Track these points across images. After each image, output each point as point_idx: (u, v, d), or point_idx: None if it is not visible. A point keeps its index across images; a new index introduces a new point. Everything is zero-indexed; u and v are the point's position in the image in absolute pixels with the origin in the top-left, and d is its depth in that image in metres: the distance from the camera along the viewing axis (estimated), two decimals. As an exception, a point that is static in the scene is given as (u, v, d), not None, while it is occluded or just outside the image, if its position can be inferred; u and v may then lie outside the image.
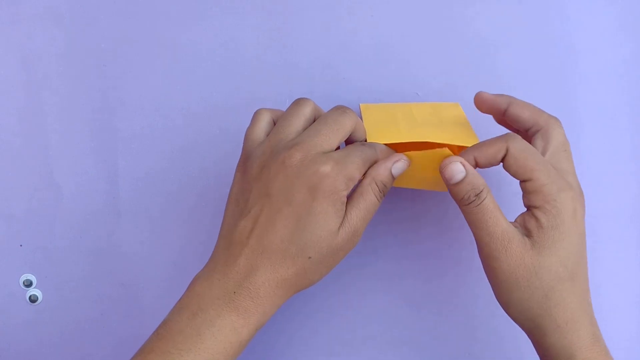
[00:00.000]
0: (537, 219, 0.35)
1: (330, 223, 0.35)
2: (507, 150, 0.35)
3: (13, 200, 0.47)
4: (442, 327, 0.47)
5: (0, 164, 0.47)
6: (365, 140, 0.39)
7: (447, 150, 0.37)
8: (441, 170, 0.36)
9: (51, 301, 0.48)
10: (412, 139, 0.38)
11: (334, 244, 0.35)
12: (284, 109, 0.46)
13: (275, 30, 0.46)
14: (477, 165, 0.36)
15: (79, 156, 0.47)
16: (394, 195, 0.47)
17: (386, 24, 0.46)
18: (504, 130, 0.39)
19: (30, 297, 0.48)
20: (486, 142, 0.36)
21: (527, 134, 0.39)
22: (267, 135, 0.38)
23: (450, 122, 0.41)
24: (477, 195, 0.35)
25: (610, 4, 0.46)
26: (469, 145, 0.37)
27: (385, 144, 0.38)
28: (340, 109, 0.38)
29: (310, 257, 0.35)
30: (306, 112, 0.38)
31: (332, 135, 0.36)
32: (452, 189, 0.36)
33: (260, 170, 0.36)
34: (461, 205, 0.36)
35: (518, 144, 0.35)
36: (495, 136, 0.36)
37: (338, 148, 0.37)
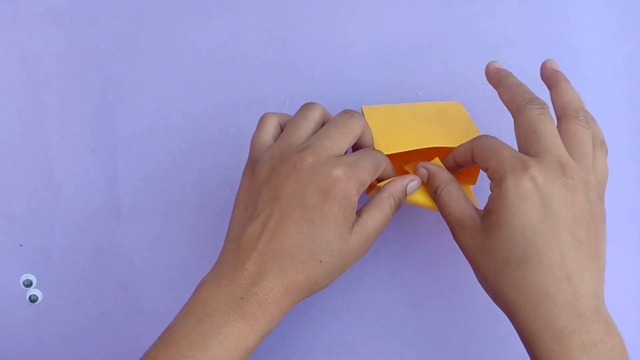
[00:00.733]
0: (487, 202, 0.35)
1: (341, 227, 0.35)
2: (471, 149, 0.37)
3: (13, 200, 0.47)
4: (442, 327, 0.47)
5: (0, 164, 0.47)
6: (373, 144, 0.40)
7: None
8: (415, 173, 0.40)
9: (51, 301, 0.48)
10: (418, 146, 0.39)
11: (345, 249, 0.35)
12: (284, 110, 0.46)
13: (275, 30, 0.46)
14: (457, 164, 0.39)
15: (79, 156, 0.47)
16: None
17: (386, 24, 0.46)
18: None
19: (30, 297, 0.48)
20: (462, 144, 0.38)
21: None
22: (275, 140, 0.38)
23: (454, 122, 0.42)
24: (434, 191, 0.38)
25: (610, 4, 0.46)
26: None
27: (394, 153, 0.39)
28: (348, 113, 0.38)
29: (321, 261, 0.34)
30: (315, 115, 0.38)
31: (342, 139, 0.36)
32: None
33: (270, 174, 0.35)
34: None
35: (479, 141, 0.37)
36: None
37: (346, 152, 0.37)
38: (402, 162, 0.41)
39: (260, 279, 0.34)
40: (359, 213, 0.36)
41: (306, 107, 0.38)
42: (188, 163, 0.47)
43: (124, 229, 0.47)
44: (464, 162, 0.38)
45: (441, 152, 0.40)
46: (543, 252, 0.32)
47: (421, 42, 0.46)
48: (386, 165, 0.38)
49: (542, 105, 0.36)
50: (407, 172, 0.40)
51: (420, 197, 0.39)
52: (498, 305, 0.35)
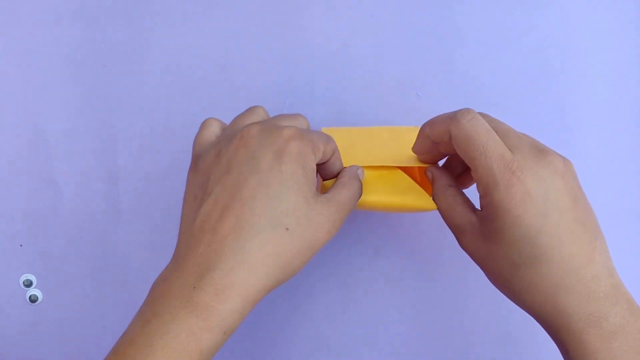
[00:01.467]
0: (481, 209, 0.33)
1: (303, 188, 0.31)
2: (450, 135, 0.33)
3: (13, 200, 0.47)
4: (442, 327, 0.47)
5: (0, 164, 0.47)
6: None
7: (399, 172, 0.39)
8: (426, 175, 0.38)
9: (51, 301, 0.48)
10: (368, 163, 0.38)
11: (312, 216, 0.31)
12: (284, 110, 0.46)
13: (275, 30, 0.46)
14: (433, 140, 0.36)
15: (79, 156, 0.47)
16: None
17: (386, 24, 0.46)
18: None
19: (30, 297, 0.48)
20: (437, 119, 0.35)
21: None
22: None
23: (408, 145, 0.40)
24: (433, 195, 0.37)
25: (610, 4, 0.46)
26: (426, 166, 0.38)
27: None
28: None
29: (287, 229, 0.30)
30: (259, 113, 0.37)
31: (287, 121, 0.35)
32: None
33: (216, 156, 0.33)
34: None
35: (459, 129, 0.32)
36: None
37: None
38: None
39: (216, 260, 0.29)
40: (323, 194, 0.34)
41: (249, 108, 0.38)
42: (188, 163, 0.47)
43: (124, 229, 0.47)
44: (440, 140, 0.35)
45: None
46: (552, 248, 0.30)
47: (421, 42, 0.46)
48: (336, 148, 0.36)
49: (474, 112, 0.33)
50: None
51: (378, 197, 0.38)
52: (516, 304, 0.33)
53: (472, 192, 0.36)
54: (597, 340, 0.30)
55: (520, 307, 0.33)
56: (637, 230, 0.47)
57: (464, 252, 0.36)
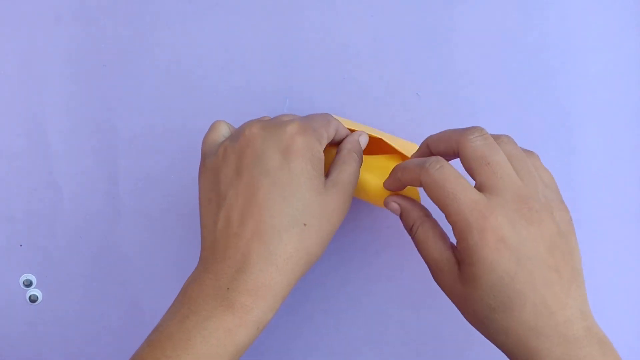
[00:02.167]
0: (457, 252, 0.33)
1: (314, 182, 0.33)
2: (420, 182, 0.34)
3: (13, 200, 0.47)
4: (442, 327, 0.47)
5: (0, 164, 0.47)
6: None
7: (394, 157, 0.39)
8: (385, 206, 0.38)
9: (51, 301, 0.48)
10: (369, 131, 0.40)
11: (325, 205, 0.33)
12: (284, 110, 0.46)
13: (275, 30, 0.46)
14: (404, 184, 0.36)
15: (79, 156, 0.47)
16: (394, 195, 0.47)
17: (386, 24, 0.46)
18: None
19: (30, 297, 0.48)
20: (407, 166, 0.35)
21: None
22: None
23: (402, 143, 0.42)
24: (409, 228, 0.36)
25: (610, 4, 0.46)
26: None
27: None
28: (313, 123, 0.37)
29: (305, 224, 0.32)
30: (266, 118, 0.38)
31: (293, 117, 0.36)
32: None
33: (224, 157, 0.34)
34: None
35: (430, 176, 0.33)
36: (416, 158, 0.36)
37: None
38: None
39: (245, 263, 0.31)
40: (326, 174, 0.35)
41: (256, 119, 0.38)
42: (188, 163, 0.47)
43: (124, 229, 0.47)
44: (411, 184, 0.36)
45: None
46: (525, 295, 0.31)
47: (421, 42, 0.46)
48: (337, 124, 0.37)
49: (481, 131, 0.33)
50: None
51: (371, 190, 0.39)
52: (491, 342, 0.34)
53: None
54: None
55: (496, 346, 0.33)
56: (637, 230, 0.47)
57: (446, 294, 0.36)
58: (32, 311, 0.48)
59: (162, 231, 0.47)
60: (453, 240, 0.34)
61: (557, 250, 0.32)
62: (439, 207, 0.33)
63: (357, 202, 0.47)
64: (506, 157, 0.33)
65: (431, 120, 0.45)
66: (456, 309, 0.48)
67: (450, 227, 0.33)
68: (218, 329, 0.30)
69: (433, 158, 0.34)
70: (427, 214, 0.37)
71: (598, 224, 0.47)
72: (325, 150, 0.36)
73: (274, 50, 0.46)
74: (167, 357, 0.30)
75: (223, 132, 0.37)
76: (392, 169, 0.37)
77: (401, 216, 0.37)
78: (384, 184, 0.38)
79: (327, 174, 0.36)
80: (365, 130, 0.41)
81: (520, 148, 0.35)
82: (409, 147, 0.41)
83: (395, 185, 0.37)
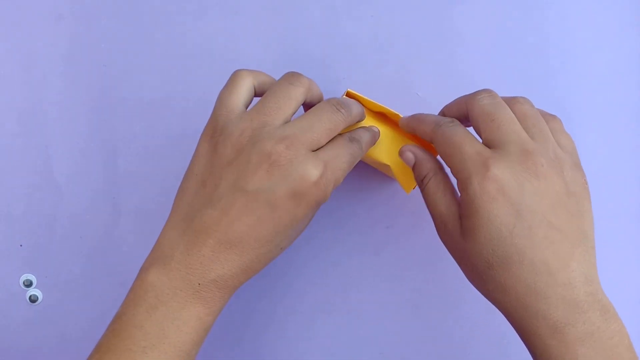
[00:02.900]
0: (461, 204, 0.33)
1: (308, 222, 0.34)
2: (431, 136, 0.35)
3: (13, 200, 0.47)
4: (442, 326, 0.47)
5: (0, 164, 0.47)
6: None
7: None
8: (400, 156, 0.38)
9: (51, 301, 0.48)
10: (387, 111, 0.39)
11: (304, 229, 0.35)
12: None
13: (275, 30, 0.46)
14: (415, 133, 0.37)
15: (79, 156, 0.47)
16: (394, 195, 0.47)
17: (386, 24, 0.46)
18: None
19: (30, 297, 0.48)
20: (424, 119, 0.36)
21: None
22: (247, 108, 0.34)
23: None
24: (421, 180, 0.36)
25: (610, 4, 0.46)
26: None
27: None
28: (334, 105, 0.34)
29: (282, 247, 0.33)
30: (298, 95, 0.34)
31: (323, 135, 0.33)
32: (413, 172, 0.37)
33: (237, 154, 0.32)
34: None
35: (441, 130, 0.34)
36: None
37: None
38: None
39: (218, 267, 0.32)
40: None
41: (291, 79, 0.34)
42: (188, 163, 0.47)
43: (123, 228, 0.47)
44: (424, 138, 0.37)
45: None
46: (523, 251, 0.30)
47: (421, 42, 0.46)
48: (362, 153, 0.36)
49: (490, 92, 0.34)
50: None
51: (380, 154, 0.39)
52: (490, 302, 0.33)
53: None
54: (562, 346, 0.30)
55: (494, 305, 0.33)
56: (637, 230, 0.47)
57: (448, 251, 0.36)
58: (32, 311, 0.48)
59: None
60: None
61: (563, 209, 0.31)
62: (445, 161, 0.34)
63: (357, 202, 0.47)
64: (520, 115, 0.33)
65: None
66: (456, 309, 0.48)
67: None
68: (191, 318, 0.32)
69: (448, 118, 0.35)
70: (440, 167, 0.36)
71: (598, 224, 0.47)
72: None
73: (274, 50, 0.46)
74: (142, 347, 0.31)
75: (244, 94, 0.35)
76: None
77: (414, 167, 0.37)
78: (400, 121, 0.39)
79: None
80: (382, 109, 0.40)
81: (539, 110, 0.35)
82: None
83: (408, 129, 0.38)
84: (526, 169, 0.31)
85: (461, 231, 0.33)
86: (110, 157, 0.47)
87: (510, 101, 0.34)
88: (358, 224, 0.47)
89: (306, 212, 0.32)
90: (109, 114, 0.47)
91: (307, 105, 0.37)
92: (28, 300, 0.48)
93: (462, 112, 0.36)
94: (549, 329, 0.30)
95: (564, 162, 0.32)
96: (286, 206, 0.31)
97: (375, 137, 0.38)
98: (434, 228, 0.47)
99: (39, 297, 0.48)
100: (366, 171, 0.46)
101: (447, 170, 0.37)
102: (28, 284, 0.48)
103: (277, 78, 0.45)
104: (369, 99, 0.40)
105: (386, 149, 0.40)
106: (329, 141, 0.34)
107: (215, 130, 0.34)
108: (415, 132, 0.37)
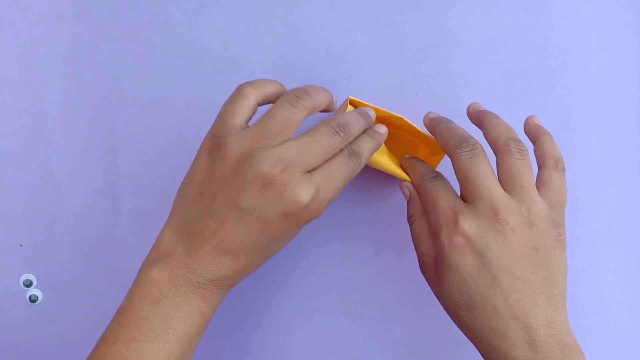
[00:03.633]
0: (434, 252, 0.37)
1: (297, 234, 0.36)
2: (418, 191, 0.39)
3: (13, 200, 0.47)
4: (442, 327, 0.47)
5: (0, 164, 0.47)
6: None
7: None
8: (400, 189, 0.41)
9: (51, 301, 0.48)
10: (389, 114, 0.41)
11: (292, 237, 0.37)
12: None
13: (275, 30, 0.46)
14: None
15: (79, 156, 0.47)
16: (394, 196, 0.47)
17: (386, 24, 0.46)
18: None
19: (30, 297, 0.48)
20: (415, 168, 0.40)
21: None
22: (249, 125, 0.35)
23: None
24: (409, 218, 0.40)
25: (610, 4, 0.46)
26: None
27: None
28: (334, 128, 0.35)
29: (274, 253, 0.36)
30: (300, 118, 0.35)
31: (320, 158, 0.34)
32: None
33: (235, 173, 0.34)
34: None
35: (423, 183, 0.38)
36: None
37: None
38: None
39: (215, 268, 0.34)
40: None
41: (294, 101, 0.35)
42: (188, 163, 0.47)
43: (123, 228, 0.47)
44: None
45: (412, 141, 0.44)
46: (486, 298, 0.34)
47: (421, 42, 0.46)
48: (361, 167, 0.37)
49: (473, 146, 0.36)
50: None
51: (385, 162, 0.41)
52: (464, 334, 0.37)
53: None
54: None
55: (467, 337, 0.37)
56: (637, 230, 0.47)
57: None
58: (32, 311, 0.48)
59: (162, 231, 0.47)
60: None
61: (528, 261, 0.34)
62: (426, 211, 0.38)
63: (357, 203, 0.47)
64: (504, 169, 0.36)
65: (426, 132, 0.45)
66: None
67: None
68: (192, 311, 0.34)
69: (432, 172, 0.39)
70: (424, 212, 0.39)
71: (598, 224, 0.47)
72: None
73: (274, 50, 0.46)
74: (148, 337, 0.33)
75: (247, 113, 0.36)
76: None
77: (408, 203, 0.40)
78: (402, 159, 0.42)
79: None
80: (384, 113, 0.41)
81: (549, 154, 0.37)
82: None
83: (405, 168, 0.41)
84: (491, 226, 0.34)
85: (435, 272, 0.37)
86: (110, 157, 0.47)
87: (502, 150, 0.36)
88: (358, 224, 0.47)
89: (295, 229, 0.35)
90: (109, 114, 0.47)
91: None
92: (28, 300, 0.48)
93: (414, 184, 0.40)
94: None
95: (536, 218, 0.35)
96: (277, 224, 0.34)
97: (380, 140, 0.39)
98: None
99: (39, 297, 0.48)
100: (366, 171, 0.47)
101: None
102: (28, 284, 0.48)
103: (277, 79, 0.45)
104: (370, 105, 0.40)
105: (388, 155, 0.41)
106: (329, 160, 0.35)
107: (215, 145, 0.35)
108: (410, 178, 0.41)
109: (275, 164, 0.33)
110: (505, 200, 0.35)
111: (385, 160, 0.41)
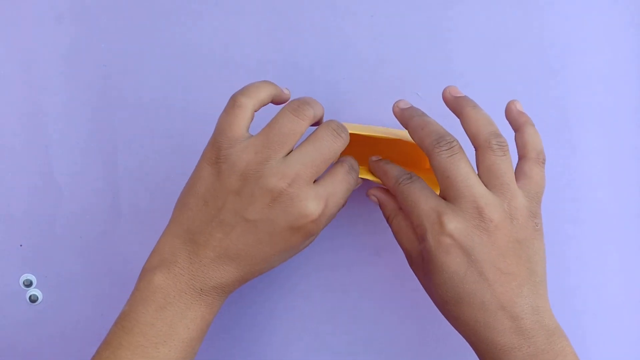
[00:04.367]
0: (420, 250, 0.37)
1: (302, 246, 0.37)
2: (394, 195, 0.39)
3: (13, 200, 0.47)
4: (442, 327, 0.47)
5: (0, 164, 0.47)
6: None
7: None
8: (367, 195, 0.41)
9: (51, 301, 0.48)
10: (374, 133, 0.41)
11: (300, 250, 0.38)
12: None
13: (275, 30, 0.46)
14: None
15: (79, 156, 0.47)
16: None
17: (386, 25, 0.46)
18: None
19: (30, 297, 0.48)
20: (388, 171, 0.39)
21: None
22: (251, 136, 0.36)
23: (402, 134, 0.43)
24: (386, 219, 0.40)
25: (610, 4, 0.46)
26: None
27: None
28: (335, 131, 0.36)
29: (276, 264, 0.37)
30: (303, 128, 0.36)
31: (323, 166, 0.36)
32: None
33: (241, 186, 0.34)
34: None
35: (399, 187, 0.37)
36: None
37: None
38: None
39: (218, 276, 0.35)
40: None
41: (297, 112, 0.36)
42: (188, 163, 0.47)
43: (124, 229, 0.47)
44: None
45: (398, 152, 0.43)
46: (474, 293, 0.35)
47: (421, 42, 0.46)
48: (357, 183, 0.39)
49: (450, 144, 0.36)
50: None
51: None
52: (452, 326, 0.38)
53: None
54: None
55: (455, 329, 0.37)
56: (637, 230, 0.47)
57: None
58: (32, 311, 0.48)
59: (161, 231, 0.47)
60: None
61: (512, 254, 0.35)
62: (406, 214, 0.37)
63: (358, 202, 0.47)
64: (484, 167, 0.36)
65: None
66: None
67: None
68: (196, 317, 0.35)
69: (407, 173, 0.38)
70: (399, 207, 0.39)
71: (598, 223, 0.47)
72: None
73: (274, 50, 0.46)
74: (154, 343, 0.34)
75: (244, 124, 0.36)
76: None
77: (380, 207, 0.41)
78: (370, 160, 0.42)
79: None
80: (369, 130, 0.41)
81: (531, 145, 0.37)
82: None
83: (376, 174, 0.41)
84: (477, 225, 0.35)
85: (422, 268, 0.37)
86: (110, 157, 0.47)
87: (483, 147, 0.36)
88: (358, 224, 0.47)
89: (301, 241, 0.36)
90: (109, 114, 0.47)
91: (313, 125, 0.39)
92: (28, 300, 0.48)
93: (391, 188, 0.39)
94: (497, 352, 0.35)
95: (516, 212, 0.35)
96: (283, 235, 0.35)
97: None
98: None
99: (39, 297, 0.48)
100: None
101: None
102: (28, 284, 0.48)
103: (277, 79, 0.45)
104: (363, 127, 0.41)
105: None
106: (330, 172, 0.37)
107: (219, 157, 0.35)
108: (382, 184, 0.40)
109: (282, 178, 0.34)
110: (488, 197, 0.35)
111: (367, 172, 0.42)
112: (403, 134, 0.41)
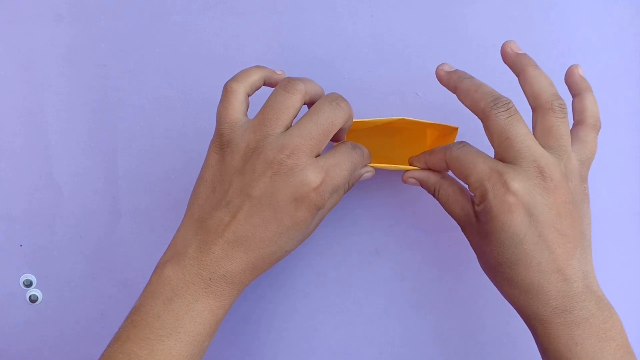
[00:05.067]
0: (477, 212, 0.37)
1: (310, 227, 0.37)
2: (445, 161, 0.38)
3: (13, 200, 0.47)
4: (442, 327, 0.47)
5: (0, 164, 0.47)
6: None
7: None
8: (405, 183, 0.41)
9: (51, 301, 0.48)
10: (388, 121, 0.41)
11: (309, 233, 0.38)
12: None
13: (275, 30, 0.46)
14: (430, 169, 0.40)
15: (79, 156, 0.47)
16: (395, 195, 0.47)
17: (386, 24, 0.46)
18: None
19: (30, 297, 0.48)
20: (434, 150, 0.39)
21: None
22: (249, 120, 0.36)
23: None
24: (432, 193, 0.40)
25: (610, 4, 0.46)
26: (444, 125, 0.42)
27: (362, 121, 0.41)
28: (334, 101, 0.36)
29: (286, 250, 0.37)
30: (295, 102, 0.36)
31: (322, 138, 0.36)
32: None
33: (243, 164, 0.35)
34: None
35: (452, 153, 0.37)
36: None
37: None
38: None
39: (227, 263, 0.35)
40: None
41: (287, 87, 0.36)
42: (188, 163, 0.47)
43: (124, 229, 0.47)
44: (438, 168, 0.40)
45: (413, 134, 0.44)
46: (532, 254, 0.34)
47: (421, 42, 0.46)
48: (364, 162, 0.39)
49: (507, 105, 0.36)
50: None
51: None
52: (499, 291, 0.37)
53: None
54: (560, 328, 0.34)
55: (501, 293, 0.37)
56: (637, 230, 0.47)
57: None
58: (32, 311, 0.48)
59: (162, 231, 0.47)
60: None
61: (568, 216, 0.35)
62: (462, 180, 0.37)
63: (358, 201, 0.47)
64: (543, 128, 0.36)
65: (431, 120, 0.45)
66: (457, 309, 0.49)
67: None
68: (204, 310, 0.35)
69: (457, 142, 0.38)
70: (443, 175, 0.40)
71: (598, 223, 0.47)
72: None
73: (274, 50, 0.46)
74: (159, 335, 0.34)
75: (240, 107, 0.37)
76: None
77: (421, 185, 0.41)
78: (410, 160, 0.42)
79: None
80: (378, 122, 0.41)
81: (588, 112, 0.38)
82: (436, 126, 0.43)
83: (420, 164, 0.41)
84: (538, 184, 0.34)
85: (478, 231, 0.36)
86: (110, 157, 0.47)
87: (545, 107, 0.36)
88: (359, 224, 0.47)
89: (306, 215, 0.35)
90: (109, 114, 0.47)
91: (309, 104, 0.38)
92: (28, 300, 0.48)
93: (442, 160, 0.39)
94: (548, 314, 0.35)
95: (571, 174, 0.36)
96: (287, 209, 0.35)
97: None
98: (435, 228, 0.47)
99: (39, 297, 0.48)
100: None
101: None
102: (28, 284, 0.48)
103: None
104: (365, 120, 0.41)
105: (397, 155, 0.42)
106: (332, 148, 0.37)
107: (222, 144, 0.36)
108: (428, 166, 0.40)
109: (281, 150, 0.34)
110: (548, 158, 0.35)
111: (396, 158, 0.42)
112: (397, 119, 0.41)
